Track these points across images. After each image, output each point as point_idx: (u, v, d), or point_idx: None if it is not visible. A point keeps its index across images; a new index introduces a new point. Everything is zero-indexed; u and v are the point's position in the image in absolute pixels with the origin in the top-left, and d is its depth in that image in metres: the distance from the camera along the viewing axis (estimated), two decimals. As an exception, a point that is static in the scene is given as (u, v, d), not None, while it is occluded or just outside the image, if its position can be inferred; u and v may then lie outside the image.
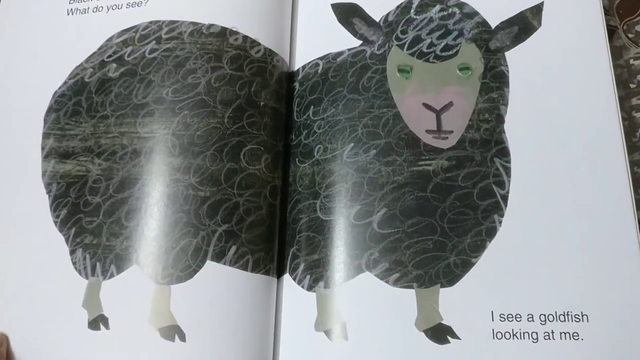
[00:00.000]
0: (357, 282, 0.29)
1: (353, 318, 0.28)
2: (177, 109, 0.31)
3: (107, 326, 0.28)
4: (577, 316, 0.27)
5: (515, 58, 0.31)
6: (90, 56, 0.33)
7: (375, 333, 0.28)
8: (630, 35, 0.34)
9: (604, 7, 0.33)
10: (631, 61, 0.33)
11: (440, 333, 0.28)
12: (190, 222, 0.29)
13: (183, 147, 0.30)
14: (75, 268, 0.30)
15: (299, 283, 0.30)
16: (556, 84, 0.31)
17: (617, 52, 0.34)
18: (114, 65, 0.32)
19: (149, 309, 0.28)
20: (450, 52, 0.32)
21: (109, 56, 0.32)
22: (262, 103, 0.31)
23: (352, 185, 0.30)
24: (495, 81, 0.31)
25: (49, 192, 0.31)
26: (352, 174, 0.30)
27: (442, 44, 0.32)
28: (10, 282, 0.31)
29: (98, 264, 0.29)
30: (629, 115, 0.33)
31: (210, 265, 0.28)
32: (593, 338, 0.27)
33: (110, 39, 0.33)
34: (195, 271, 0.28)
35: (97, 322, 0.29)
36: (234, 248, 0.29)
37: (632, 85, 0.33)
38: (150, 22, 0.33)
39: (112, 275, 0.29)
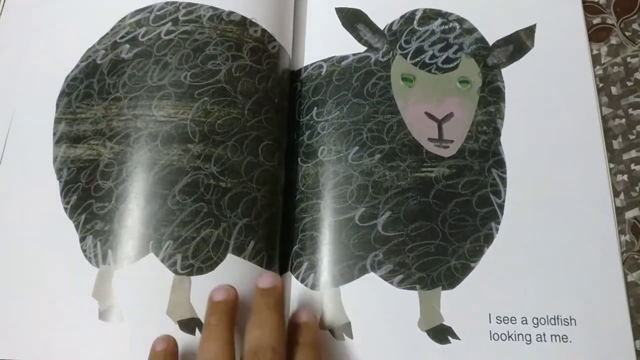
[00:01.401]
0: (362, 282, 0.34)
1: (358, 317, 0.34)
2: (196, 95, 0.34)
3: (120, 317, 0.31)
4: (566, 320, 0.34)
5: (511, 75, 0.39)
6: (103, 37, 0.37)
7: (379, 332, 0.34)
8: (627, 33, 0.40)
9: (600, 6, 0.40)
10: (628, 59, 0.39)
11: (441, 333, 0.34)
12: (212, 213, 0.32)
13: (203, 135, 0.34)
14: (85, 256, 0.33)
15: (302, 281, 0.35)
16: (546, 102, 0.39)
17: (614, 51, 0.40)
18: (127, 46, 0.36)
19: (166, 300, 0.31)
20: (451, 65, 0.39)
21: (122, 37, 0.36)
22: (276, 100, 0.36)
23: (357, 187, 0.36)
24: (492, 95, 0.38)
25: (59, 177, 0.34)
26: (357, 177, 0.36)
27: (444, 57, 0.39)
28: (18, 271, 0.33)
29: (110, 251, 0.32)
30: (626, 113, 0.38)
31: (231, 258, 0.32)
32: (580, 341, 0.33)
33: (123, 20, 0.37)
34: (217, 263, 0.32)
35: (109, 312, 0.31)
36: (252, 243, 0.33)
37: (629, 83, 0.39)
38: (166, 3, 0.37)
39: (124, 264, 0.32)
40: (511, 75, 0.40)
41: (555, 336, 0.35)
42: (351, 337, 0.34)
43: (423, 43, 0.41)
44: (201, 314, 0.31)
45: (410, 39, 0.41)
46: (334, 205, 0.37)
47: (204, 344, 0.29)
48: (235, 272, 0.33)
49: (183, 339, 0.31)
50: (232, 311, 0.31)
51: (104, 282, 0.32)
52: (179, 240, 0.32)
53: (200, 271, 0.32)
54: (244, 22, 0.37)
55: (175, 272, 0.32)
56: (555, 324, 0.35)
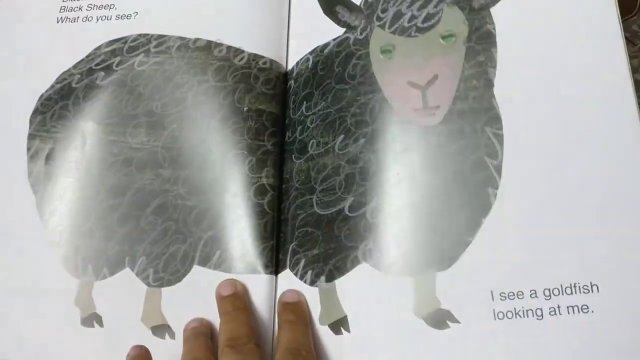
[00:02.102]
0: (356, 273, 0.36)
1: (355, 310, 0.36)
2: (166, 123, 0.41)
3: (100, 324, 0.39)
4: (585, 287, 0.32)
5: (501, 13, 0.38)
6: (78, 63, 0.44)
7: (376, 323, 0.35)
8: (626, 34, 0.38)
9: None
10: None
11: (439, 318, 0.34)
12: (179, 230, 0.39)
13: (172, 160, 0.41)
14: (66, 268, 0.40)
15: (300, 279, 0.38)
16: (549, 36, 0.37)
17: None
18: (102, 73, 0.43)
19: (141, 309, 0.39)
20: (432, 22, 0.39)
21: (97, 64, 0.44)
22: (245, 108, 0.41)
23: (345, 177, 0.38)
24: (481, 42, 0.38)
25: (35, 192, 0.42)
26: (344, 166, 0.38)
27: (424, 14, 0.39)
28: (2, 278, 0.41)
29: (90, 265, 0.40)
30: None
31: (197, 269, 0.39)
32: (605, 310, 0.31)
33: (98, 48, 0.45)
34: (184, 275, 0.39)
35: (91, 319, 0.39)
36: (218, 252, 0.38)
37: None
38: (139, 35, 0.44)
39: (104, 277, 0.40)
40: (503, 13, 0.38)
41: (573, 307, 0.33)
42: (349, 330, 0.37)
43: (401, 6, 0.41)
44: (171, 321, 0.39)
45: (387, 5, 0.42)
46: (325, 199, 0.39)
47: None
48: (201, 281, 0.39)
49: (156, 343, 0.38)
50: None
51: (85, 292, 0.40)
52: (151, 256, 0.40)
53: (170, 283, 0.39)
54: (208, 46, 0.44)
55: (148, 284, 0.40)
56: (572, 293, 0.33)
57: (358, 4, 0.43)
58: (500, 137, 0.36)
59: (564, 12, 0.37)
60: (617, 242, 0.33)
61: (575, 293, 0.33)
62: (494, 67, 0.38)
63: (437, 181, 0.37)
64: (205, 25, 0.45)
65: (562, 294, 0.33)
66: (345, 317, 0.37)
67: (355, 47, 0.42)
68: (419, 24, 0.40)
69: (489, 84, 0.37)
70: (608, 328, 0.32)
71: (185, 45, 0.44)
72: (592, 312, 0.32)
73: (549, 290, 0.33)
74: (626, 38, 0.39)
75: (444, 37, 0.39)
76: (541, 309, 0.33)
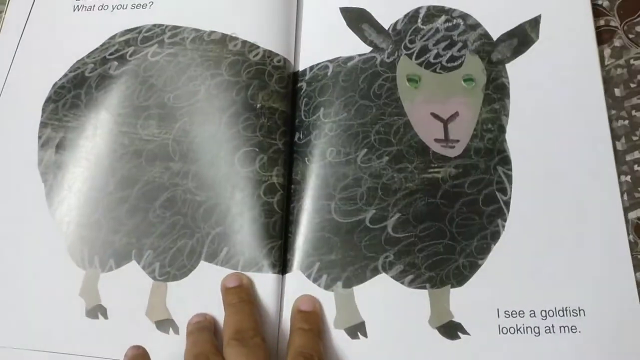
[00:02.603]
0: (375, 282, 0.40)
1: (372, 317, 0.40)
2: (177, 115, 0.43)
3: (105, 316, 0.40)
4: (574, 311, 0.39)
5: (515, 70, 0.44)
6: (92, 52, 0.46)
7: (392, 331, 0.39)
8: (630, 36, 0.44)
9: (604, 8, 0.45)
10: (631, 61, 0.44)
11: (451, 329, 0.39)
12: (187, 225, 0.41)
13: (182, 153, 0.42)
14: (73, 259, 0.41)
15: (314, 281, 0.41)
16: (551, 96, 0.43)
17: (617, 53, 0.45)
18: (115, 63, 0.45)
19: (146, 303, 0.40)
20: (456, 64, 0.44)
21: (111, 54, 0.45)
22: (258, 105, 0.43)
23: (367, 190, 0.42)
24: (497, 92, 0.44)
25: (44, 181, 0.43)
26: (366, 179, 0.42)
27: (448, 55, 0.44)
28: (7, 268, 0.42)
29: (96, 257, 0.41)
30: (629, 114, 0.43)
31: (203, 265, 0.40)
32: (589, 331, 0.38)
33: (113, 37, 0.46)
34: (190, 270, 0.40)
35: (95, 311, 0.40)
36: (225, 249, 0.40)
37: (632, 85, 0.44)
38: (154, 25, 0.46)
39: (110, 269, 0.41)
40: (516, 70, 0.45)
41: (564, 327, 0.41)
42: (366, 336, 0.41)
43: (427, 42, 0.47)
44: (175, 316, 0.40)
45: (415, 38, 0.47)
46: (345, 208, 0.43)
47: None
48: (207, 277, 0.40)
49: (159, 338, 0.39)
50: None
51: (91, 284, 0.41)
52: (157, 250, 0.41)
53: (175, 278, 0.41)
54: (223, 40, 0.46)
55: (154, 278, 0.41)
56: (564, 315, 0.41)
57: (386, 27, 0.48)
58: (509, 177, 0.44)
59: (559, 88, 0.44)
60: (601, 275, 0.40)
61: (567, 315, 0.40)
62: (507, 115, 0.45)
63: (456, 207, 0.43)
64: (221, 18, 0.47)
65: (556, 315, 0.40)
66: (363, 322, 0.41)
67: (382, 68, 0.47)
68: (444, 63, 0.46)
69: (502, 130, 0.45)
70: (592, 346, 0.39)
71: (200, 37, 0.45)
72: (580, 332, 0.39)
73: (545, 311, 0.40)
74: (630, 39, 0.44)
75: (465, 80, 0.46)
76: (538, 327, 0.40)
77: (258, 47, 0.45)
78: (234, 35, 0.45)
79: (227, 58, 0.45)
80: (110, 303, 0.41)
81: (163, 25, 0.46)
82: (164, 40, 0.45)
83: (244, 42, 0.45)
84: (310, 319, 0.40)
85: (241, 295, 0.39)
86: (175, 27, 0.46)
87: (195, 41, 0.45)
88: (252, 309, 0.39)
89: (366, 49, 0.47)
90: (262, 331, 0.38)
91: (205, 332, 0.38)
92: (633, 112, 0.45)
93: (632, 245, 0.42)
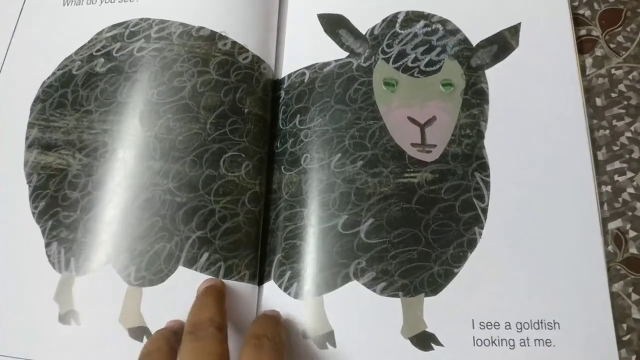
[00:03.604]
0: (346, 290, 0.36)
1: (342, 326, 0.35)
2: (161, 112, 0.37)
3: (77, 321, 0.35)
4: (549, 324, 0.35)
5: (495, 76, 0.39)
6: (80, 48, 0.41)
7: (362, 340, 0.35)
8: (612, 46, 0.41)
9: (586, 18, 0.40)
10: (613, 71, 0.40)
11: (424, 340, 0.35)
12: (166, 227, 0.35)
13: (164, 151, 0.36)
14: (50, 261, 0.36)
15: (285, 290, 0.36)
16: (531, 102, 0.38)
17: (598, 62, 0.40)
18: (102, 60, 0.40)
19: (119, 309, 0.34)
20: (434, 68, 0.39)
21: (98, 50, 0.40)
22: (246, 110, 0.38)
23: (340, 195, 0.37)
24: (476, 98, 0.38)
25: (29, 182, 0.38)
26: (339, 184, 0.37)
27: (426, 60, 0.39)
28: None
29: (72, 259, 0.36)
30: (610, 124, 0.39)
31: (182, 270, 0.35)
32: (564, 344, 0.34)
33: (100, 33, 0.41)
34: (167, 275, 0.35)
35: (68, 316, 0.35)
36: (206, 255, 0.35)
37: (613, 95, 0.40)
38: (141, 19, 0.40)
39: (85, 272, 0.35)
40: (496, 76, 0.39)
41: (539, 340, 0.37)
42: (334, 345, 0.37)
43: (405, 46, 0.44)
44: (150, 323, 0.35)
45: (393, 42, 0.44)
46: (318, 213, 0.38)
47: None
48: (185, 283, 0.35)
49: (132, 346, 0.34)
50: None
51: (65, 288, 0.36)
52: (134, 253, 0.35)
53: (151, 283, 0.35)
54: (212, 37, 0.39)
55: (129, 282, 0.35)
56: (539, 328, 0.37)
57: (363, 32, 0.46)
58: (487, 184, 0.38)
59: (539, 96, 0.40)
60: (576, 289, 0.35)
61: (542, 328, 0.34)
62: (486, 121, 0.40)
63: (432, 213, 0.41)
64: (210, 15, 0.40)
65: (531, 328, 0.34)
66: (332, 332, 0.37)
67: (358, 72, 0.43)
68: (422, 67, 0.43)
69: (481, 135, 0.39)
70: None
71: (188, 32, 0.39)
72: (554, 346, 0.35)
73: (521, 324, 0.35)
74: (611, 49, 0.41)
75: (443, 85, 0.42)
76: (513, 340, 0.34)
77: (247, 50, 0.40)
78: (224, 33, 0.40)
79: (216, 57, 0.39)
80: (83, 308, 0.35)
81: (150, 19, 0.41)
82: (150, 35, 0.40)
83: (234, 42, 0.40)
84: (208, 290, 0.34)
85: (207, 291, 0.33)
86: (162, 22, 0.41)
87: (183, 36, 0.40)
88: (214, 300, 0.33)
89: (343, 54, 0.41)
90: (222, 322, 0.31)
91: (167, 330, 0.32)
92: (614, 122, 0.41)
93: (612, 256, 0.40)
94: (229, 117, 0.38)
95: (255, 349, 0.30)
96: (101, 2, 0.42)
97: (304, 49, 0.42)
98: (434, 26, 0.41)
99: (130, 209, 0.36)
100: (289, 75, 0.41)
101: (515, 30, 0.41)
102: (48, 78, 0.41)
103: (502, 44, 0.40)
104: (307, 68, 0.41)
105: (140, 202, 0.36)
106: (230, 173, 0.37)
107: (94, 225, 0.36)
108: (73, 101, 0.39)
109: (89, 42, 0.41)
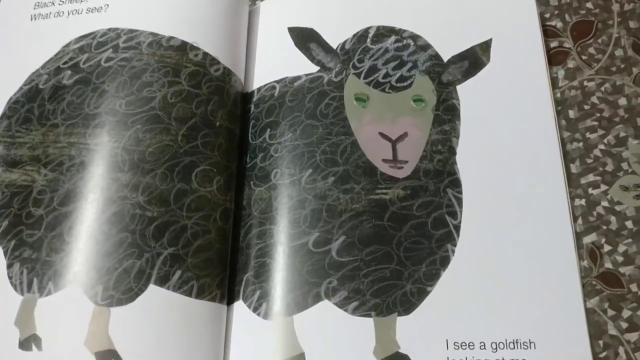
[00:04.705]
0: (316, 310, 0.34)
1: (313, 347, 0.34)
2: (129, 123, 0.35)
3: (39, 347, 0.32)
4: (525, 344, 0.34)
5: (466, 92, 0.39)
6: (47, 62, 0.38)
7: None
8: (584, 57, 0.40)
9: (558, 29, 0.40)
10: (585, 82, 0.40)
11: None
12: (135, 243, 0.33)
13: (133, 163, 0.34)
14: (11, 283, 0.34)
15: (254, 311, 0.34)
16: (502, 118, 0.38)
17: (571, 74, 0.40)
18: (69, 72, 0.38)
19: (85, 331, 0.32)
20: (405, 84, 0.38)
21: (65, 62, 0.38)
22: (217, 123, 0.36)
23: (311, 211, 0.36)
24: (447, 114, 0.38)
25: None
26: (310, 200, 0.36)
27: (397, 75, 0.38)
28: None
29: (35, 279, 0.33)
30: (584, 136, 0.39)
31: (152, 289, 0.33)
32: None
33: (67, 45, 0.39)
34: (137, 294, 0.33)
35: (29, 342, 0.32)
36: (178, 272, 0.33)
37: (586, 107, 0.39)
38: (109, 30, 0.39)
39: (49, 293, 0.33)
40: (467, 92, 0.39)
41: None
42: None
43: (377, 61, 0.42)
44: (119, 346, 0.32)
45: (364, 57, 0.42)
46: (288, 231, 0.36)
47: None
48: (157, 303, 0.33)
49: None
50: None
51: (27, 311, 0.33)
52: (102, 271, 0.33)
53: (120, 302, 0.33)
54: (184, 47, 0.37)
55: (96, 302, 0.33)
56: (514, 348, 0.36)
57: (334, 47, 0.45)
58: (460, 200, 0.38)
59: (510, 110, 0.39)
60: (551, 306, 0.34)
61: (517, 348, 0.33)
62: (457, 137, 0.39)
63: (404, 230, 0.39)
64: (181, 24, 0.38)
65: (506, 348, 0.33)
66: (303, 354, 0.35)
67: (329, 87, 0.41)
68: (393, 83, 0.41)
69: (452, 151, 0.38)
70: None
71: (158, 42, 0.37)
72: None
73: (496, 343, 0.33)
74: (583, 61, 0.40)
75: (414, 101, 0.41)
76: None
77: (219, 62, 0.38)
78: (195, 44, 0.38)
79: (188, 67, 0.38)
80: (46, 332, 0.33)
81: (118, 29, 0.39)
82: (118, 44, 0.38)
83: (205, 54, 0.38)
84: None
85: None
86: (131, 31, 0.39)
87: (153, 45, 0.38)
88: None
89: (315, 69, 0.40)
90: None
91: None
92: (587, 134, 0.41)
93: (587, 271, 0.38)
94: (200, 130, 0.36)
95: None
96: (68, 14, 0.40)
97: (274, 63, 0.41)
98: (405, 41, 0.40)
99: (98, 224, 0.34)
100: (259, 89, 0.40)
101: (486, 46, 0.40)
102: (15, 94, 0.39)
103: (473, 59, 0.39)
104: (278, 82, 0.40)
105: (107, 216, 0.34)
106: (202, 188, 0.35)
107: (59, 243, 0.34)
108: (39, 115, 0.37)
109: (56, 55, 0.39)
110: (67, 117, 0.36)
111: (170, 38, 0.38)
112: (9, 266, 0.34)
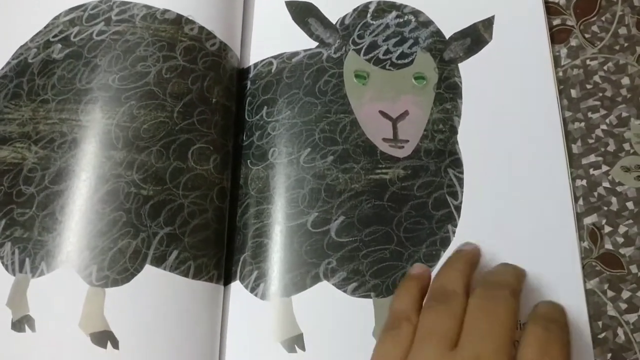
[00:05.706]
0: (315, 291, 0.33)
1: (311, 328, 0.33)
2: (123, 99, 0.33)
3: (32, 328, 0.31)
4: (524, 325, 0.31)
5: (468, 70, 0.37)
6: (36, 35, 0.36)
7: (333, 343, 0.32)
8: (586, 36, 0.39)
9: (560, 7, 0.39)
10: (587, 61, 0.39)
11: None
12: (130, 222, 0.32)
13: (127, 140, 0.33)
14: (2, 263, 0.32)
15: (251, 291, 0.33)
16: (504, 97, 0.37)
17: (573, 53, 0.39)
18: (59, 45, 0.36)
19: (80, 312, 0.31)
20: (406, 61, 0.37)
21: (55, 36, 0.36)
22: (214, 100, 0.35)
23: (310, 191, 0.35)
24: (449, 92, 0.36)
25: None
26: (309, 180, 0.35)
27: (398, 52, 0.37)
28: None
29: (27, 259, 0.32)
30: (586, 116, 0.37)
31: (149, 270, 0.31)
32: None
33: (57, 17, 0.36)
34: (133, 275, 0.31)
35: (22, 323, 0.31)
36: (175, 252, 0.32)
37: (588, 86, 0.38)
38: (100, 1, 0.36)
39: (42, 273, 0.31)
40: (469, 70, 0.37)
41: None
42: (304, 349, 0.34)
43: (377, 38, 0.41)
44: (114, 327, 0.31)
45: (364, 33, 0.41)
46: (286, 211, 0.35)
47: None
48: (153, 283, 0.32)
49: (95, 353, 0.30)
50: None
51: (19, 292, 0.32)
52: (95, 251, 0.31)
53: (115, 283, 0.32)
54: (179, 21, 0.35)
55: (90, 283, 0.31)
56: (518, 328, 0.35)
57: (334, 22, 0.42)
58: (461, 180, 0.36)
59: (512, 89, 0.38)
60: (551, 286, 0.34)
61: (518, 329, 0.35)
62: (459, 116, 0.38)
63: (404, 211, 0.38)
64: None
65: None
66: (301, 334, 0.34)
67: (328, 64, 0.39)
68: (394, 60, 0.40)
69: (454, 131, 0.37)
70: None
71: (152, 15, 0.35)
72: None
73: None
74: (586, 39, 0.39)
75: (416, 78, 0.39)
76: None
77: (215, 36, 0.36)
78: (190, 17, 0.36)
79: (183, 42, 0.36)
80: (39, 313, 0.31)
81: (110, 1, 0.37)
82: (111, 17, 0.36)
83: (201, 27, 0.36)
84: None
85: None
86: (124, 3, 0.37)
87: (147, 19, 0.36)
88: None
89: (313, 44, 0.38)
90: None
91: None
92: (589, 114, 0.39)
93: (587, 252, 0.38)
94: (196, 107, 0.34)
95: (546, 332, 0.27)
96: None
97: (271, 38, 0.39)
98: (406, 17, 0.38)
99: (91, 202, 0.32)
100: (255, 65, 0.39)
101: (488, 23, 0.39)
102: (2, 68, 0.36)
103: (476, 37, 0.38)
104: (275, 57, 0.39)
105: (101, 195, 0.32)
106: (198, 166, 0.33)
107: (51, 222, 0.32)
108: (29, 91, 0.35)
109: (45, 27, 0.36)
110: (58, 92, 0.34)
111: (165, 11, 0.36)
112: (0, 246, 0.32)
